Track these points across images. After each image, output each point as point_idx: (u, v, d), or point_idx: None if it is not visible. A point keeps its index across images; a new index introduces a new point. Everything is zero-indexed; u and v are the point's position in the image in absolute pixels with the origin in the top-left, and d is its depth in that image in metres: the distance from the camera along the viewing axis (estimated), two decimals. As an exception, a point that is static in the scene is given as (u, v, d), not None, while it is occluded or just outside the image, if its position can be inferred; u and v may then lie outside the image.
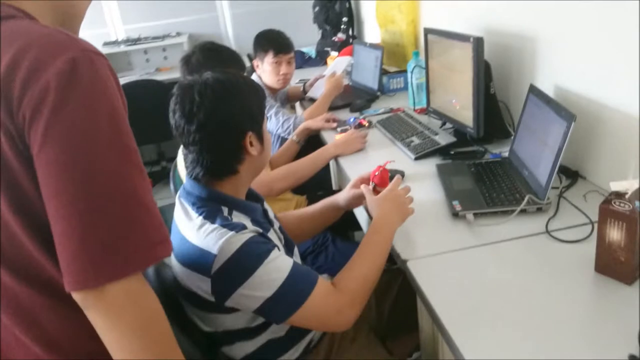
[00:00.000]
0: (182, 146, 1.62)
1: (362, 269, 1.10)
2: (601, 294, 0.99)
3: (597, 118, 1.33)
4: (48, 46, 0.66)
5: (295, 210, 1.52)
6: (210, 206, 1.05)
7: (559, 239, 1.15)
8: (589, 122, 1.35)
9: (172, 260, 1.08)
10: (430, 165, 1.64)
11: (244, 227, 1.01)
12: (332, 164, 2.11)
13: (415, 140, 1.81)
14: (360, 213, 1.88)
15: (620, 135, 1.27)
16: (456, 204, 1.31)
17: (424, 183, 1.53)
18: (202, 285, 0.99)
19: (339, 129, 2.08)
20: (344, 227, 1.94)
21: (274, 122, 2.21)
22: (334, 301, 1.04)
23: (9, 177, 0.67)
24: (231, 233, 0.98)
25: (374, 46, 2.56)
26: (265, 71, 2.29)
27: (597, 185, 1.37)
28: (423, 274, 1.10)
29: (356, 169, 1.71)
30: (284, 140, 2.18)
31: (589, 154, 1.38)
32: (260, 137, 1.11)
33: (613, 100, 1.28)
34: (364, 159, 1.83)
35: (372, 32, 3.27)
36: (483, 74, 1.58)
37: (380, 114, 2.24)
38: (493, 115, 1.69)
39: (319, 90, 2.48)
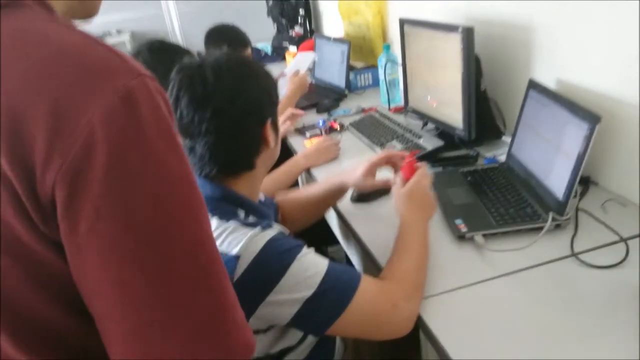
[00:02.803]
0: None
1: (409, 260, 0.95)
2: (655, 335, 0.81)
3: (609, 115, 1.16)
4: (83, 67, 0.44)
5: (296, 194, 1.33)
6: (225, 207, 0.90)
7: (589, 263, 0.97)
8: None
9: None
10: (417, 175, 1.43)
11: (269, 225, 0.87)
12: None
13: (397, 145, 1.60)
14: (335, 224, 1.68)
15: (638, 134, 1.10)
16: (460, 224, 1.12)
17: (414, 197, 1.33)
18: None
19: (308, 134, 1.86)
20: (318, 243, 1.72)
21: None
22: (388, 293, 0.88)
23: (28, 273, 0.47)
24: (255, 230, 0.84)
25: (338, 40, 2.35)
26: (219, 71, 2.03)
27: (613, 192, 1.20)
28: (435, 316, 0.89)
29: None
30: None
31: (602, 156, 1.21)
32: (275, 125, 0.98)
33: (629, 94, 1.11)
34: (339, 168, 1.61)
35: (332, 25, 3.06)
36: (474, 69, 1.39)
37: (352, 115, 2.03)
38: (483, 114, 1.51)
39: (281, 91, 2.24)
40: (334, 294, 0.83)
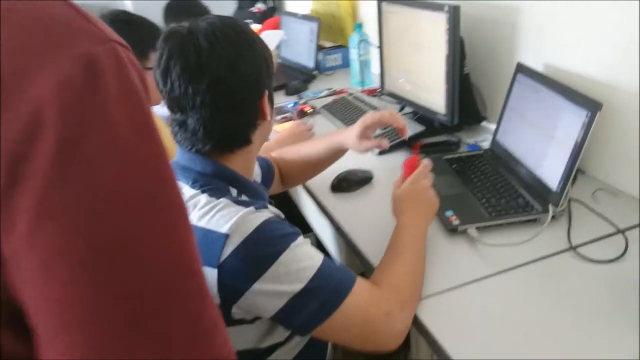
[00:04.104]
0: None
1: (404, 266, 0.88)
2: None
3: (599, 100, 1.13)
4: (35, 26, 0.35)
5: (294, 152, 1.26)
6: (216, 184, 0.82)
7: (589, 258, 0.93)
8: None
9: None
10: (398, 162, 1.36)
11: (264, 206, 0.81)
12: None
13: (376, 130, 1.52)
14: (312, 212, 1.60)
15: (628, 121, 1.07)
16: (451, 216, 1.06)
17: (397, 186, 1.26)
18: None
19: (279, 118, 1.75)
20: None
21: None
22: (381, 300, 0.81)
23: None
24: (249, 209, 0.77)
25: (307, 18, 2.23)
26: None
27: (601, 181, 1.17)
28: (434, 318, 0.83)
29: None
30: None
31: (591, 144, 1.16)
32: (272, 97, 0.90)
33: (619, 80, 1.08)
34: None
35: (295, 1, 2.93)
36: (459, 51, 1.32)
37: (323, 97, 1.94)
38: (465, 98, 1.45)
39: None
40: (324, 292, 0.76)
